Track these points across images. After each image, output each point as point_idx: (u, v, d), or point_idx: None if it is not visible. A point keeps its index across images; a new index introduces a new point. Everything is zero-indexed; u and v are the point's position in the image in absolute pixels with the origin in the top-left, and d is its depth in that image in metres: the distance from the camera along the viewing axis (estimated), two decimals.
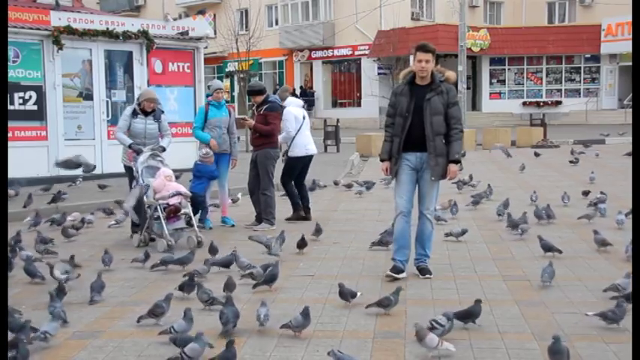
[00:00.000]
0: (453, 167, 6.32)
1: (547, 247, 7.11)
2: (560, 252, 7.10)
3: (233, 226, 9.36)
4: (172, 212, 8.06)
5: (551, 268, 6.01)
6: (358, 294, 5.58)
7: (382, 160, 6.57)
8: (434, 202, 6.54)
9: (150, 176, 8.25)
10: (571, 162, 16.24)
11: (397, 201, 6.44)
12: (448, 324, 4.65)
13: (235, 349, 4.24)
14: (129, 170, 8.57)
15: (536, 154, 18.00)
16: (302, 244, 7.57)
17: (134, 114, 8.48)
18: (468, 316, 4.99)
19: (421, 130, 6.24)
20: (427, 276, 6.36)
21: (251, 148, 9.76)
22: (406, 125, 6.28)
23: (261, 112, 9.04)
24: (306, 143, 9.67)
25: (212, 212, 9.64)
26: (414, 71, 6.32)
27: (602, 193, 10.22)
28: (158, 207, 7.95)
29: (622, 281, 5.57)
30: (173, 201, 8.07)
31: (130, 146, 8.33)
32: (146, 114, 8.52)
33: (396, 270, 6.33)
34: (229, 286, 5.80)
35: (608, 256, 7.04)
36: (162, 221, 7.87)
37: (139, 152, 8.29)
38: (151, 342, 4.82)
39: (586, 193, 11.00)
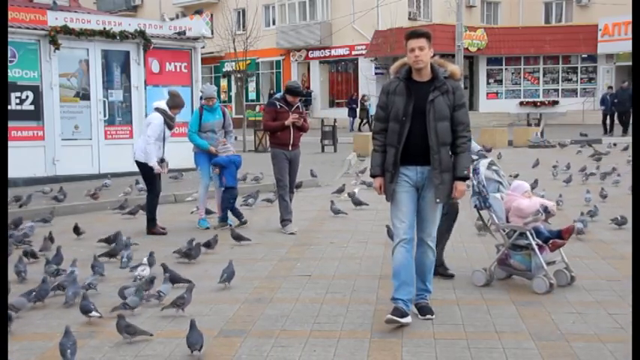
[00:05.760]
0: (460, 186, 5.08)
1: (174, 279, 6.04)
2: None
3: (230, 225, 9.35)
4: (557, 246, 6.06)
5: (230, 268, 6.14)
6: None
7: (374, 176, 5.28)
8: (436, 227, 5.30)
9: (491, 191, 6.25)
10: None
11: (397, 226, 5.14)
12: None
13: None
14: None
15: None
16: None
17: None
18: None
19: (423, 139, 5.00)
20: (428, 317, 5.21)
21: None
22: (404, 132, 5.02)
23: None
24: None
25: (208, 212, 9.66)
26: (409, 64, 5.11)
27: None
28: (529, 234, 6.02)
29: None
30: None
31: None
32: None
33: (400, 313, 4.99)
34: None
35: (606, 256, 7.05)
36: (537, 253, 5.93)
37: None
38: (148, 342, 4.82)
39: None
